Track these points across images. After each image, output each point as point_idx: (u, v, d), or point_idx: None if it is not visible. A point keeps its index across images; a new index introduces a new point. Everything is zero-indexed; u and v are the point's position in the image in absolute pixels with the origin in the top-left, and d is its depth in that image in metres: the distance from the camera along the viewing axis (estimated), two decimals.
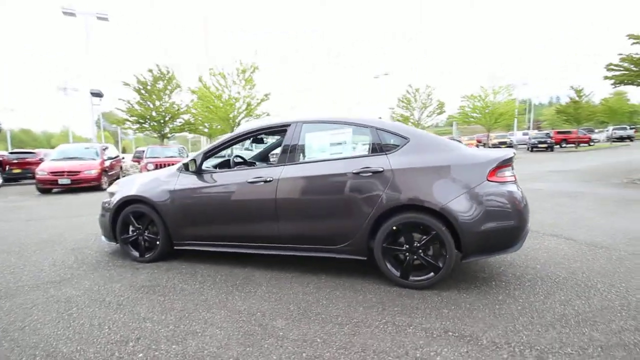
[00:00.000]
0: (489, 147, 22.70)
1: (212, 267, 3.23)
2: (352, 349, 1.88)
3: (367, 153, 2.86)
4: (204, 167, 3.37)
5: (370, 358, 1.79)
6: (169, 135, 19.12)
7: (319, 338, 1.99)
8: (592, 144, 29.13)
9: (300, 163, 3.00)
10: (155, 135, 18.52)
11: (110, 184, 11.13)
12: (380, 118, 4.47)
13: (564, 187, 8.01)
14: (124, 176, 13.25)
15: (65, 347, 1.95)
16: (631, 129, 33.58)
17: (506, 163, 2.63)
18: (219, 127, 19.69)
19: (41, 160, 13.15)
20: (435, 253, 2.62)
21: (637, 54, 10.42)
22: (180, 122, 19.12)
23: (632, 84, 10.87)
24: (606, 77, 11.33)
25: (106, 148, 12.40)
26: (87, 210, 6.66)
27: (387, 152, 2.77)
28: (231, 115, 17.66)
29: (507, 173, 2.63)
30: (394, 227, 2.64)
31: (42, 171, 10.00)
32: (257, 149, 5.06)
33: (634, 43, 10.24)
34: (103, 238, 3.80)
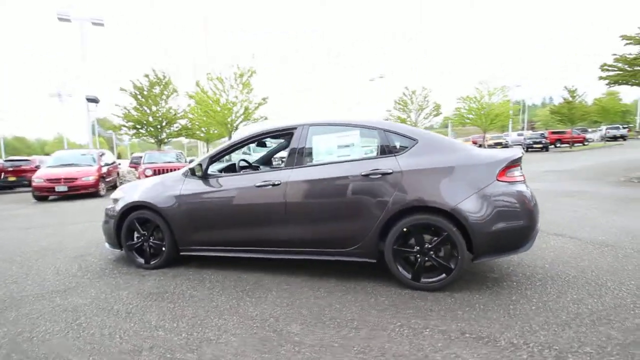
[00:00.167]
0: (486, 148, 22.82)
1: (219, 273, 3.19)
2: (371, 353, 1.86)
3: (375, 155, 2.86)
4: (209, 171, 3.35)
5: None
6: (165, 140, 19.01)
7: (336, 343, 1.97)
8: (586, 143, 29.47)
9: (309, 166, 2.98)
10: (152, 140, 18.40)
11: (107, 190, 11.06)
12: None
13: (562, 186, 8.07)
14: (120, 182, 13.17)
15: (77, 358, 1.91)
16: (624, 128, 34.03)
17: (515, 163, 2.64)
18: (216, 131, 19.62)
19: (36, 167, 13.00)
20: (447, 254, 2.61)
21: (630, 54, 10.59)
22: (177, 127, 19.03)
23: (626, 83, 11.03)
24: (601, 78, 11.50)
25: (103, 154, 12.29)
26: (85, 217, 6.58)
27: (395, 154, 2.77)
28: (229, 120, 17.61)
29: (516, 173, 2.64)
30: (405, 229, 2.63)
31: (38, 178, 9.86)
32: (256, 152, 5.03)
33: (627, 44, 10.41)
34: (107, 245, 3.75)
